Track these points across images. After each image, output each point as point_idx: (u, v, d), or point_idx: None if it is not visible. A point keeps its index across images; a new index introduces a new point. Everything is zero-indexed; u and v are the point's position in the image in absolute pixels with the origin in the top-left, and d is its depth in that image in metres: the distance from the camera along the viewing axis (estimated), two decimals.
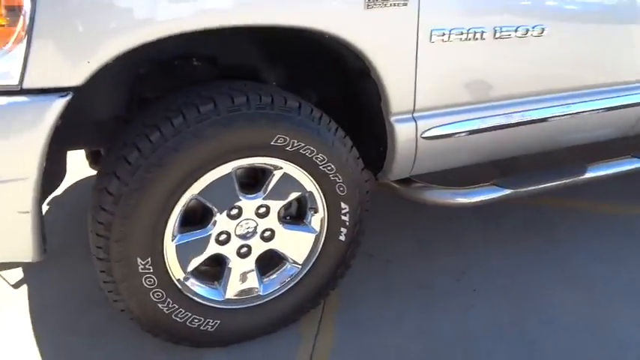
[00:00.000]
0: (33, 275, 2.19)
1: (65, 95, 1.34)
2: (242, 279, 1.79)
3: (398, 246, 2.45)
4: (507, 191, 2.16)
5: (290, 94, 1.70)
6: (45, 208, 2.60)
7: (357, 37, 1.61)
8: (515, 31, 1.89)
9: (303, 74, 2.09)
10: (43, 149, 1.35)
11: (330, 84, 2.06)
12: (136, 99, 1.92)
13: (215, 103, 1.54)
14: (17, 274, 2.20)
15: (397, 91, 1.79)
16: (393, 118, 1.84)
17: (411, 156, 1.93)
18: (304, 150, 1.68)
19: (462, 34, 1.79)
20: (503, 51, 1.91)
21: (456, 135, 1.99)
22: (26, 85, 1.31)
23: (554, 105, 2.08)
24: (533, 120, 2.06)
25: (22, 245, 1.45)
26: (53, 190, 1.83)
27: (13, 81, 1.30)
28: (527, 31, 1.91)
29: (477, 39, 1.83)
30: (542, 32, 1.93)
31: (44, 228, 1.53)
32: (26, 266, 2.23)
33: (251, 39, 1.93)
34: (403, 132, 1.87)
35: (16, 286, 2.13)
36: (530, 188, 2.20)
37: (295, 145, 1.66)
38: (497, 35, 1.86)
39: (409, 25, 1.70)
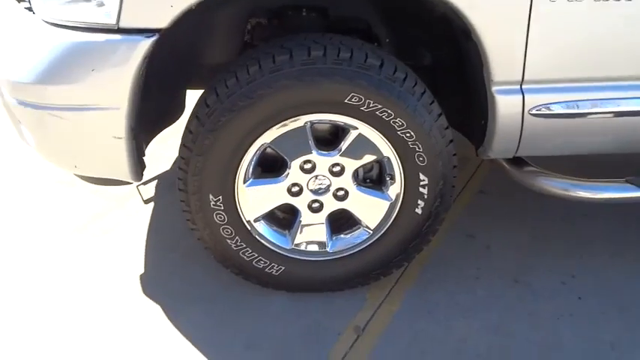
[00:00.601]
0: (162, 195, 2.51)
1: (151, 36, 1.48)
2: (310, 232, 1.81)
3: (507, 232, 2.21)
4: None
5: (377, 51, 1.61)
6: None
7: None
8: None
9: (415, 33, 1.96)
10: (132, 84, 1.52)
11: (440, 46, 1.90)
12: (248, 46, 2.01)
13: (291, 55, 1.55)
14: (151, 190, 2.54)
15: (501, 58, 1.58)
16: (495, 89, 1.63)
17: (515, 134, 1.71)
18: (381, 112, 1.60)
19: None
20: None
21: (578, 116, 1.69)
22: (122, 24, 1.47)
23: None
24: None
25: (119, 166, 1.67)
26: (169, 124, 2.04)
27: (112, 20, 1.47)
28: None
29: None
30: None
31: (141, 154, 1.74)
32: (160, 185, 2.57)
33: None
34: (506, 105, 1.65)
35: (147, 201, 2.47)
36: None
37: (371, 105, 1.59)
38: None
39: None
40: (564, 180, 1.87)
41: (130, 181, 1.77)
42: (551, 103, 1.67)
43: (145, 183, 2.57)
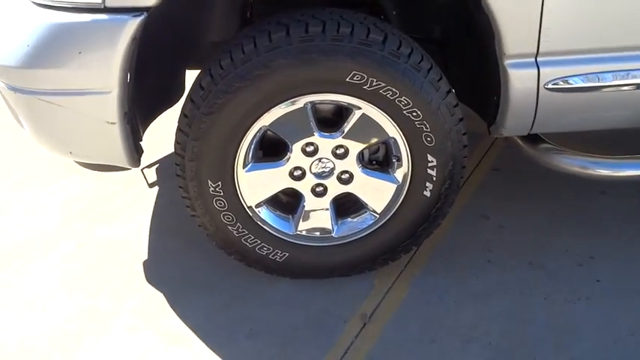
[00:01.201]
0: (167, 178, 2.45)
1: (139, 15, 1.40)
2: (315, 217, 1.75)
3: (522, 212, 2.12)
4: None
5: (380, 26, 1.51)
6: None
7: None
8: None
9: (424, 4, 1.85)
10: (122, 66, 1.45)
11: (450, 18, 1.79)
12: (249, 23, 1.92)
13: (288, 31, 1.46)
14: (154, 174, 2.49)
15: (513, 29, 1.47)
16: (507, 62, 1.53)
17: (530, 110, 1.61)
18: (385, 91, 1.51)
19: None
20: None
21: (598, 89, 1.58)
22: (108, 3, 1.39)
23: None
24: None
25: (114, 151, 1.61)
26: (168, 106, 1.97)
27: None
28: None
29: None
30: None
31: (138, 138, 1.68)
32: (166, 168, 2.51)
33: None
34: (519, 79, 1.55)
35: (151, 185, 2.42)
36: None
37: (374, 84, 1.50)
38: None
39: None
40: (583, 157, 1.78)
41: (127, 166, 1.71)
42: (568, 76, 1.57)
43: (149, 166, 2.52)
